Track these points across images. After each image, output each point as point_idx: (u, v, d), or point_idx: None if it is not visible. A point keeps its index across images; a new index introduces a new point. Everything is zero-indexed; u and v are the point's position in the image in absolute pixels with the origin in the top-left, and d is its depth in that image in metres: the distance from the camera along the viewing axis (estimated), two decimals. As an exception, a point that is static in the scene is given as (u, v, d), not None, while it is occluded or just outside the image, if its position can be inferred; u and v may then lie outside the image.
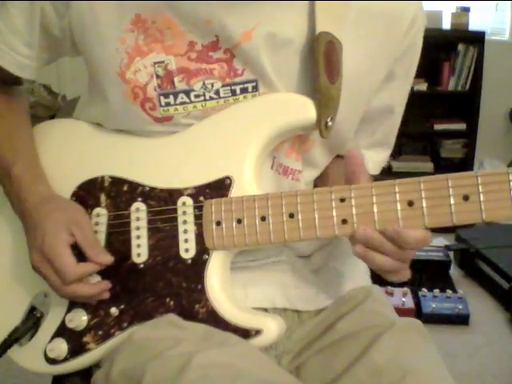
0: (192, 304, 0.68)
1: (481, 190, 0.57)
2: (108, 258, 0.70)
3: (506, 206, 0.56)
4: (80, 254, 0.69)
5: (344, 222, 0.62)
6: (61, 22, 0.71)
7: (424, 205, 0.59)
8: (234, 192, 0.68)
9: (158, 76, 0.69)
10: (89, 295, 0.70)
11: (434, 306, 2.02)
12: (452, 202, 0.58)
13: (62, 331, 0.73)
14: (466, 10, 3.36)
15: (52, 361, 0.73)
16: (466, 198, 0.58)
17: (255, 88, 0.69)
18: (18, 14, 0.71)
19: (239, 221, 0.66)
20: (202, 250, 0.69)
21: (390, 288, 2.05)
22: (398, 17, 0.71)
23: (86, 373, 0.76)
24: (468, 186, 0.57)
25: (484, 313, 2.11)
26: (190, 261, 0.69)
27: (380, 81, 0.75)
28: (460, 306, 2.03)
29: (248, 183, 0.68)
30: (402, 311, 1.92)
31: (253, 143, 0.69)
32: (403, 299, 2.03)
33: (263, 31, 0.66)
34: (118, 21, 0.68)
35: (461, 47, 3.33)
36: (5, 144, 0.77)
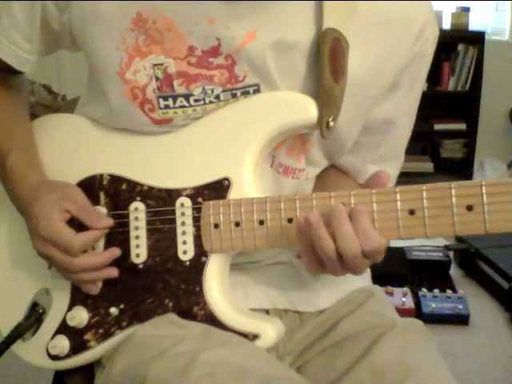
0: (190, 306, 0.68)
1: (485, 200, 0.55)
2: (108, 222, 0.71)
3: (511, 217, 0.54)
4: (81, 228, 0.69)
5: None
6: (61, 17, 0.70)
7: (426, 214, 0.57)
8: (233, 193, 0.68)
9: (157, 78, 0.68)
10: (97, 264, 0.70)
11: (433, 306, 2.02)
12: (455, 212, 0.56)
13: (64, 328, 0.74)
14: (466, 9, 3.36)
15: (54, 357, 0.74)
16: (469, 208, 0.55)
17: (257, 91, 0.68)
18: (19, 10, 0.71)
19: (237, 224, 0.66)
20: (201, 253, 0.68)
21: (389, 288, 2.05)
22: (407, 25, 0.69)
23: (88, 370, 0.76)
24: (472, 196, 0.55)
25: (484, 313, 2.11)
26: (188, 263, 0.69)
27: (385, 89, 0.73)
28: (460, 306, 2.03)
29: (247, 185, 0.68)
30: (401, 311, 1.92)
31: (252, 143, 0.68)
32: (403, 299, 2.02)
33: (268, 32, 0.65)
34: (119, 19, 0.67)
35: (461, 47, 3.33)
36: (1, 133, 0.77)
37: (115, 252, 0.71)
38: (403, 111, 0.77)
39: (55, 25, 0.72)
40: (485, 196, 0.55)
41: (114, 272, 0.71)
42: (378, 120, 0.75)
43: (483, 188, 0.55)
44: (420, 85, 0.76)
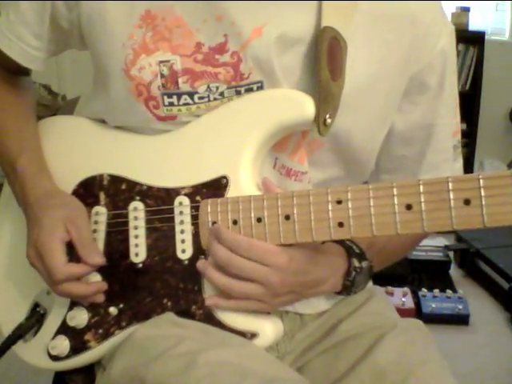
0: (189, 305, 0.68)
1: (483, 193, 0.54)
2: (99, 260, 0.69)
3: (509, 210, 0.53)
4: (76, 254, 0.69)
5: (340, 225, 0.60)
6: (70, 15, 0.71)
7: (423, 208, 0.56)
8: (231, 192, 0.68)
9: (162, 75, 0.68)
10: (81, 295, 0.70)
11: (433, 306, 2.02)
12: (452, 205, 0.55)
13: (64, 329, 0.73)
14: (466, 9, 3.36)
15: (55, 357, 0.73)
16: (467, 201, 0.54)
17: (260, 88, 0.68)
18: (28, 6, 0.71)
19: (235, 222, 0.66)
20: (199, 251, 0.68)
21: (389, 288, 2.05)
22: (412, 21, 0.69)
23: (88, 370, 0.76)
24: (469, 190, 0.54)
25: (484, 313, 2.11)
26: (186, 261, 0.69)
27: (398, 87, 0.71)
28: (460, 306, 2.03)
29: (245, 183, 0.68)
30: (402, 311, 1.92)
31: (249, 141, 0.68)
32: (403, 299, 2.03)
33: (273, 28, 0.65)
34: (127, 16, 0.67)
35: (461, 47, 3.33)
36: (11, 136, 0.77)
37: (102, 286, 0.71)
38: (440, 111, 0.75)
39: (64, 23, 0.72)
40: (482, 189, 0.54)
41: (100, 298, 0.71)
42: (415, 127, 0.74)
43: (480, 181, 0.54)
44: (450, 82, 0.74)
